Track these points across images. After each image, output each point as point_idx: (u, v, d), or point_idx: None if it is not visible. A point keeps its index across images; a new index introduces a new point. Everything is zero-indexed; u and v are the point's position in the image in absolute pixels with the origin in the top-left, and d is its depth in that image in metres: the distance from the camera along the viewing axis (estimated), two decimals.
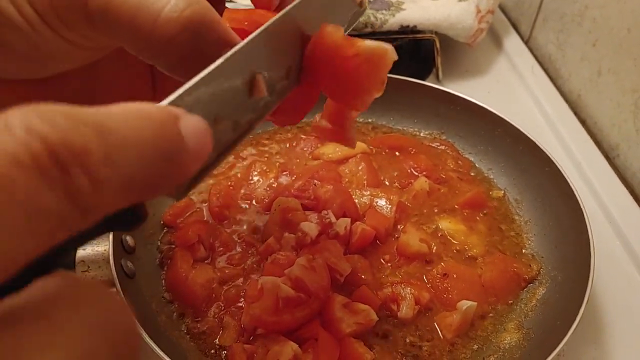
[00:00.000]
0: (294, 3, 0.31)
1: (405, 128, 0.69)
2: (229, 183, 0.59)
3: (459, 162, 0.64)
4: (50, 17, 0.26)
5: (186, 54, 0.27)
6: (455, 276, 0.50)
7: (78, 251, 0.48)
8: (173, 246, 0.53)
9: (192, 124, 0.21)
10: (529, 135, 0.59)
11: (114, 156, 0.17)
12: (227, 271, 0.51)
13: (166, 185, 0.20)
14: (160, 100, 0.38)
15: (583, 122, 0.76)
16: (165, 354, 0.40)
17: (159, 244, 0.54)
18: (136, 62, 0.34)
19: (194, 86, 0.24)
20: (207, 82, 0.25)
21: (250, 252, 0.52)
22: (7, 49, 0.27)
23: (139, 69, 0.35)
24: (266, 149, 0.65)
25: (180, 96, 0.23)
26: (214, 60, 0.27)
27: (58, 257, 0.17)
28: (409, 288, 0.49)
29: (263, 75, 0.29)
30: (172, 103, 0.23)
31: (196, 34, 0.27)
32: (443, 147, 0.66)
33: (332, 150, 0.63)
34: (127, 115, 0.18)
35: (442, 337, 0.47)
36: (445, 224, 0.56)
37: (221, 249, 0.52)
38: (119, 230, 0.21)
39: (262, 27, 0.28)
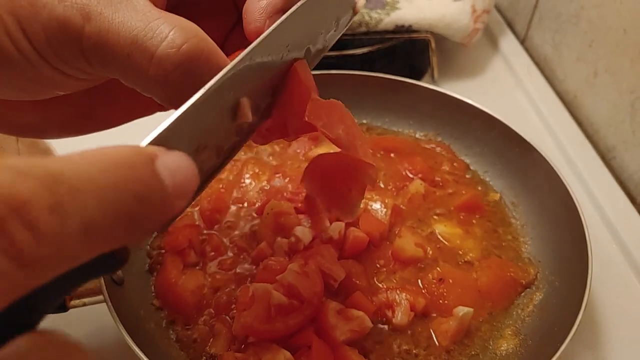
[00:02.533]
0: (276, 24, 0.29)
1: (400, 129, 0.68)
2: (221, 186, 0.58)
3: (455, 164, 0.63)
4: (46, 52, 0.27)
5: (182, 88, 0.27)
6: (451, 281, 0.50)
7: None
8: (163, 251, 0.52)
9: (172, 162, 0.20)
10: (525, 137, 0.58)
11: (65, 205, 0.16)
12: (218, 277, 0.50)
13: (147, 228, 0.19)
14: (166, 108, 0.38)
15: (579, 123, 0.76)
16: None
17: (149, 249, 0.53)
18: None
19: (175, 121, 0.23)
20: (189, 115, 0.24)
21: (242, 257, 0.51)
22: (4, 79, 0.28)
23: None
24: (259, 150, 0.64)
25: (160, 134, 0.23)
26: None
27: (34, 311, 0.17)
28: (404, 294, 0.48)
29: (248, 99, 0.28)
30: (152, 142, 0.22)
31: (193, 69, 0.27)
32: (439, 149, 0.65)
33: (326, 152, 0.62)
34: (86, 161, 0.17)
35: (437, 344, 0.46)
36: (441, 228, 0.55)
37: (212, 254, 0.51)
38: (97, 276, 0.20)
39: (246, 51, 0.27)
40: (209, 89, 0.25)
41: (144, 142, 0.22)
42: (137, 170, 0.19)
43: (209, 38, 0.28)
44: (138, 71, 0.26)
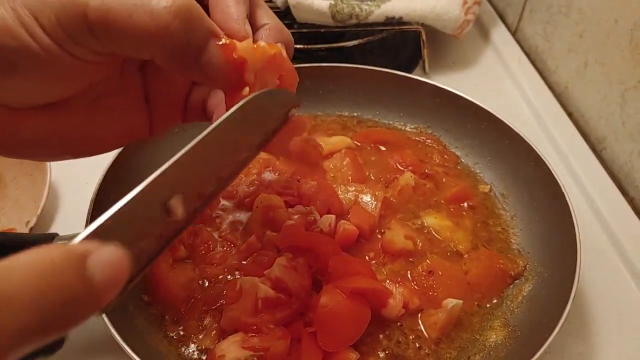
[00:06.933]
0: (217, 123, 0.30)
1: (390, 122, 0.68)
2: None
3: (445, 156, 0.63)
4: (58, 35, 0.29)
5: (180, 45, 0.30)
6: (440, 273, 0.50)
7: None
8: None
9: (105, 258, 0.21)
10: (515, 129, 0.58)
11: None
12: (208, 271, 0.49)
13: (73, 323, 0.20)
14: (154, 125, 0.39)
15: (570, 114, 0.76)
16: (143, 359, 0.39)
17: None
18: (133, 94, 0.38)
19: (114, 215, 0.25)
20: (127, 209, 0.25)
21: (232, 251, 0.51)
22: (21, 74, 0.30)
23: (135, 100, 0.38)
24: None
25: (100, 225, 0.24)
26: (203, 53, 0.30)
27: None
28: (400, 288, 0.47)
29: (180, 198, 0.28)
30: (93, 233, 0.23)
31: (187, 23, 0.29)
32: (429, 142, 0.64)
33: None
34: (11, 274, 0.19)
35: (427, 335, 0.46)
36: (431, 220, 0.55)
37: (202, 248, 0.51)
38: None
39: (182, 151, 0.28)
40: (148, 183, 0.26)
41: (84, 234, 0.23)
42: (64, 276, 0.20)
43: (197, 3, 0.30)
44: (141, 30, 0.28)
